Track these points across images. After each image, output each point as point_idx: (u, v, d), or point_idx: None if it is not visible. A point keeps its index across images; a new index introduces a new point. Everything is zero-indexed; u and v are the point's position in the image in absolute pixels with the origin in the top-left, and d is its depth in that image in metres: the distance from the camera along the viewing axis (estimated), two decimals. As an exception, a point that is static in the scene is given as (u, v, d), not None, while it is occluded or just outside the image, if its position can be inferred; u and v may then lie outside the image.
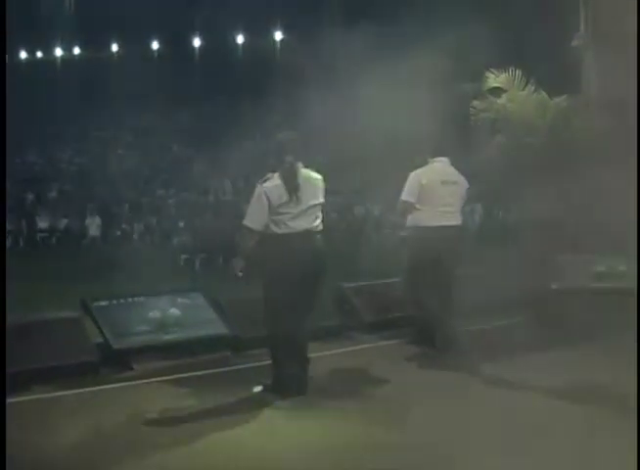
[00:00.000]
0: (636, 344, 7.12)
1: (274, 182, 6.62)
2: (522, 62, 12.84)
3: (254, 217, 6.66)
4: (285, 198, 6.57)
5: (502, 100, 12.25)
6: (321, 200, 6.82)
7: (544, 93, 12.20)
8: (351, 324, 9.35)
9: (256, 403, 6.49)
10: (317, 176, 6.87)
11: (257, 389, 6.80)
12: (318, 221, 6.79)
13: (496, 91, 12.44)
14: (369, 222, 32.35)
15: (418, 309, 8.50)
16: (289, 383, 6.66)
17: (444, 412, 6.23)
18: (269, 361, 7.49)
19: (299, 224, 6.63)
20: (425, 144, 8.79)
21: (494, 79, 12.28)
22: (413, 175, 8.43)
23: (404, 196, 8.42)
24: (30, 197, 37.96)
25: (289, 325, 6.65)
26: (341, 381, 7.19)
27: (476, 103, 12.39)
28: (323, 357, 7.38)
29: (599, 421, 5.92)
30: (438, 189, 8.33)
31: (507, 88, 12.25)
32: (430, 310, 8.31)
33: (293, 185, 6.60)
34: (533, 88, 12.22)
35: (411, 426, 5.93)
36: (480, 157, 11.60)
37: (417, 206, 8.33)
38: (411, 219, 8.43)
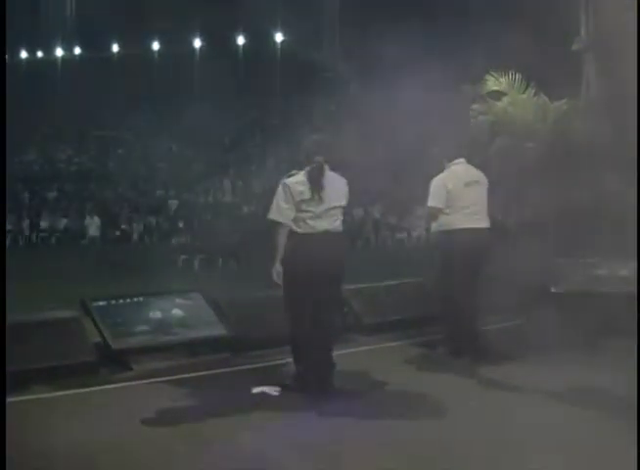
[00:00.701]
0: (636, 344, 7.12)
1: (298, 178, 6.71)
2: (522, 65, 12.85)
3: (281, 210, 6.70)
4: (306, 195, 6.64)
5: (502, 103, 12.25)
6: (343, 202, 6.88)
7: (544, 96, 12.20)
8: (350, 326, 9.36)
9: (256, 404, 6.49)
10: (342, 179, 6.96)
11: (256, 390, 6.81)
12: (338, 223, 6.84)
13: (496, 94, 12.45)
14: (368, 224, 32.39)
15: (450, 315, 8.36)
16: (308, 382, 6.70)
17: (442, 414, 6.24)
18: (268, 362, 7.52)
19: (320, 224, 6.69)
20: (442, 148, 8.74)
21: (494, 82, 12.28)
22: (437, 181, 8.36)
23: (431, 202, 8.36)
24: (29, 197, 37.93)
25: (307, 324, 6.71)
26: (339, 383, 7.17)
27: (475, 106, 12.40)
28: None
29: (600, 424, 5.93)
30: (463, 191, 8.28)
31: (507, 91, 12.26)
32: (462, 315, 8.24)
33: (318, 185, 6.67)
34: (534, 91, 12.22)
35: (409, 427, 5.94)
36: (477, 160, 11.59)
37: (445, 210, 8.28)
38: (439, 224, 8.37)
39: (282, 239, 6.68)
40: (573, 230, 11.05)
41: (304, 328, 6.75)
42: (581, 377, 7.19)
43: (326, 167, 6.79)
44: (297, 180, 6.71)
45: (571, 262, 10.85)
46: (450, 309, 8.29)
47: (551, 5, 11.62)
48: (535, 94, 12.23)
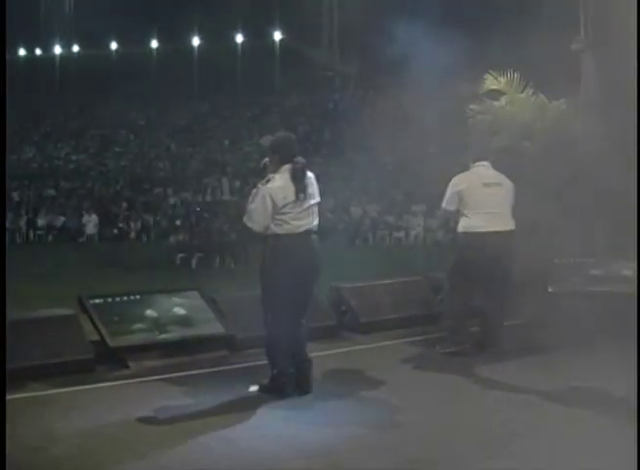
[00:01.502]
0: (636, 344, 7.12)
1: (277, 183, 6.61)
2: (521, 64, 12.83)
3: (256, 218, 6.66)
4: (289, 198, 6.58)
5: (500, 102, 12.24)
6: (318, 199, 6.84)
7: (543, 96, 12.19)
8: (348, 325, 9.36)
9: (253, 403, 6.48)
10: (311, 175, 6.87)
11: (253, 388, 6.80)
12: (316, 221, 6.81)
13: (494, 93, 12.42)
14: (365, 223, 32.36)
15: (450, 312, 8.41)
16: (286, 383, 6.66)
17: (439, 414, 6.24)
18: (265, 361, 7.49)
19: (301, 224, 6.65)
20: (465, 150, 8.78)
21: (492, 82, 12.26)
22: (452, 183, 8.41)
23: (445, 205, 8.46)
24: (27, 194, 37.91)
25: (288, 325, 6.68)
26: (336, 382, 7.18)
27: (473, 105, 12.38)
28: (319, 358, 7.36)
29: (598, 424, 5.93)
30: (480, 192, 8.26)
31: (505, 91, 12.24)
32: (465, 313, 8.34)
33: (302, 185, 6.64)
34: (532, 91, 12.21)
35: (406, 426, 5.94)
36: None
37: (464, 212, 8.27)
38: (461, 225, 8.35)
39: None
40: (572, 230, 11.05)
41: (285, 329, 6.70)
42: (579, 377, 7.19)
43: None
44: (278, 185, 6.59)
45: (570, 263, 10.86)
46: (450, 307, 8.29)
47: (550, 4, 11.61)
48: (534, 93, 12.21)
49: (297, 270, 6.61)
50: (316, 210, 6.82)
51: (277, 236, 6.63)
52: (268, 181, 6.65)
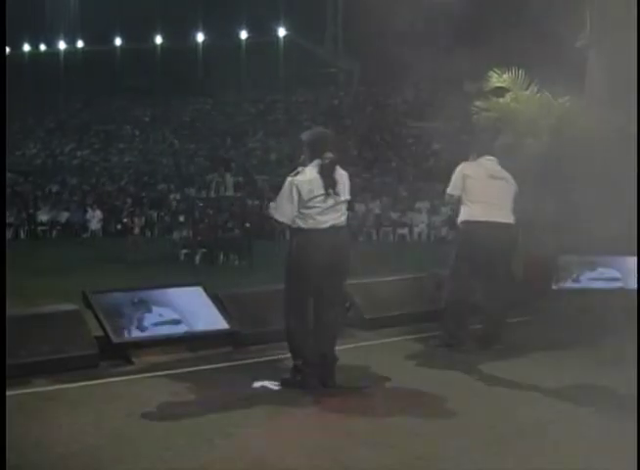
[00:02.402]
0: (636, 344, 7.11)
1: (306, 176, 6.64)
2: (526, 61, 12.82)
3: (283, 210, 6.69)
4: (316, 192, 6.59)
5: (505, 99, 12.23)
6: (348, 196, 6.86)
7: (548, 93, 12.18)
8: (351, 321, 9.35)
9: (257, 399, 6.48)
10: (343, 173, 6.89)
11: (258, 384, 6.80)
12: (344, 217, 6.82)
13: (499, 91, 12.42)
14: (369, 220, 32.37)
15: (450, 304, 8.42)
16: (309, 375, 6.71)
17: (443, 410, 6.23)
18: (269, 357, 7.51)
19: (326, 219, 6.65)
20: (472, 144, 8.77)
21: (497, 79, 12.26)
22: (458, 169, 8.43)
23: (449, 190, 8.46)
24: (31, 190, 37.93)
25: (307, 319, 6.76)
26: (340, 378, 7.16)
27: (478, 102, 12.38)
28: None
29: (600, 421, 5.92)
30: (486, 183, 8.29)
31: (510, 88, 12.23)
32: (465, 305, 8.34)
33: (331, 180, 6.64)
34: (537, 88, 12.20)
35: (410, 423, 5.94)
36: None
37: (467, 201, 8.29)
38: (462, 214, 8.38)
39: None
40: (576, 228, 11.04)
41: (306, 323, 6.76)
42: (583, 374, 7.19)
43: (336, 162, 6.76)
44: (306, 178, 6.63)
45: (574, 260, 10.86)
46: (450, 298, 8.32)
47: (555, 1, 11.59)
48: (539, 91, 12.20)
49: (321, 265, 6.62)
50: (344, 207, 6.84)
51: (302, 230, 6.66)
52: (297, 174, 6.68)
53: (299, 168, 6.74)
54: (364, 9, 35.41)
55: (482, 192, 8.23)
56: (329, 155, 6.69)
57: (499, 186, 8.33)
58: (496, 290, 8.29)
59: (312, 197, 6.60)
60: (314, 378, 6.74)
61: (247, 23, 52.66)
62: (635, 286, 10.00)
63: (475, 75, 13.42)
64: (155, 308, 8.16)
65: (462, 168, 8.40)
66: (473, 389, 6.92)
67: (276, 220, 6.75)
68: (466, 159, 8.66)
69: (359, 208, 32.93)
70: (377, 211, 33.00)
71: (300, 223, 6.67)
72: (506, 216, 8.31)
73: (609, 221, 10.35)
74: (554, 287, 10.60)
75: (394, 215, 32.79)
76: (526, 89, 12.21)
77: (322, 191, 6.61)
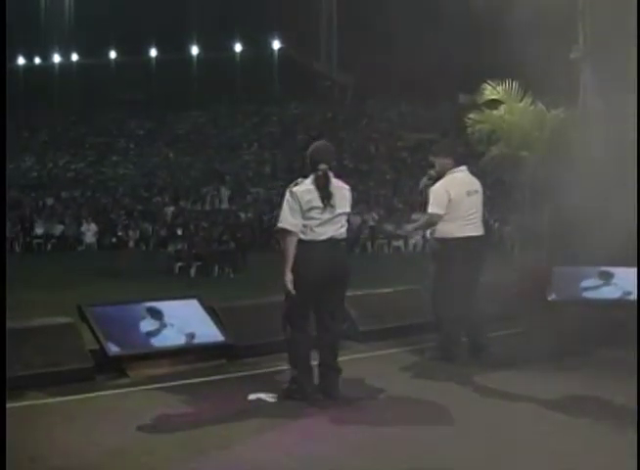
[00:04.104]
0: (636, 348, 7.12)
1: (305, 187, 6.70)
2: (519, 74, 12.87)
3: (290, 219, 6.68)
4: (314, 203, 6.63)
5: (499, 112, 12.28)
6: (348, 209, 6.90)
7: (542, 105, 12.23)
8: (347, 333, 9.35)
9: (252, 411, 6.48)
10: (345, 186, 6.95)
11: (252, 397, 6.80)
12: (343, 230, 6.85)
13: (493, 103, 12.47)
14: (364, 232, 32.40)
15: (444, 321, 8.30)
16: (307, 385, 6.72)
17: (438, 422, 6.23)
18: (264, 370, 7.50)
19: (325, 231, 6.69)
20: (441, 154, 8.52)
21: (491, 91, 12.30)
22: (439, 188, 8.26)
23: (434, 209, 8.22)
24: (26, 203, 37.91)
25: (307, 331, 6.79)
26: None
27: (472, 114, 12.42)
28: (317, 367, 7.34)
29: (596, 433, 5.92)
30: (464, 200, 8.23)
31: (504, 100, 12.28)
32: (458, 321, 8.23)
33: (326, 192, 6.68)
34: (531, 100, 12.25)
35: (406, 434, 5.94)
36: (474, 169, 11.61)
37: (446, 218, 8.19)
38: (438, 231, 8.30)
39: (292, 247, 6.63)
40: (570, 239, 11.07)
41: (306, 334, 6.79)
42: (579, 385, 7.19)
43: (331, 174, 6.78)
44: (305, 188, 6.69)
45: (569, 271, 10.87)
46: (445, 316, 8.28)
47: (548, 13, 11.64)
48: (532, 103, 12.25)
49: (320, 276, 6.64)
50: (344, 219, 6.86)
51: (301, 242, 6.68)
52: (296, 185, 6.74)
53: (299, 180, 6.80)
54: (359, 22, 35.52)
55: (461, 209, 8.21)
56: (322, 166, 6.72)
57: (474, 200, 8.36)
58: (476, 300, 8.31)
59: (310, 207, 6.64)
60: (313, 389, 6.75)
61: (241, 36, 52.77)
62: (632, 297, 10.02)
63: (469, 88, 13.45)
64: (150, 322, 8.16)
65: (445, 188, 8.25)
66: (468, 400, 6.92)
67: (284, 231, 6.70)
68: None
69: (354, 219, 32.96)
70: (372, 222, 33.03)
71: (301, 235, 6.70)
72: (480, 229, 8.39)
73: (604, 232, 10.37)
74: (549, 298, 10.60)
75: (390, 227, 32.80)
76: (520, 101, 12.26)
77: (319, 203, 6.65)
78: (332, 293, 6.80)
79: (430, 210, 8.29)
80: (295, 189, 6.71)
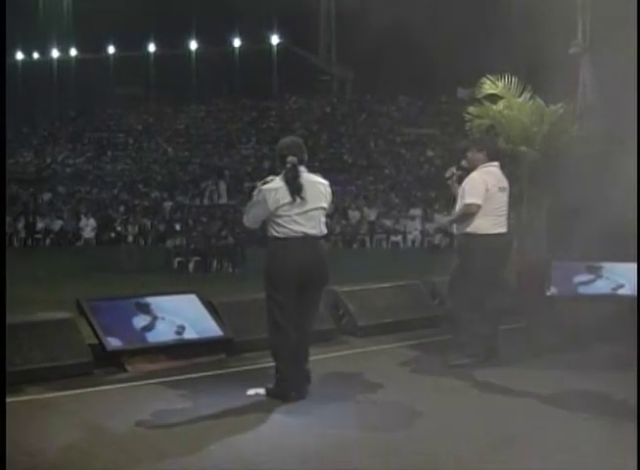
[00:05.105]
0: (636, 345, 7.12)
1: (274, 185, 6.61)
2: (518, 68, 12.86)
3: (252, 218, 6.77)
4: (285, 200, 6.54)
5: (498, 107, 12.25)
6: (323, 204, 6.73)
7: (540, 100, 12.21)
8: (345, 328, 9.36)
9: (251, 406, 6.48)
10: (322, 181, 6.83)
11: (252, 392, 6.80)
12: (320, 227, 6.72)
13: (492, 98, 12.44)
14: (363, 227, 32.42)
15: (470, 321, 8.00)
16: (288, 388, 6.65)
17: (437, 417, 6.24)
18: (263, 364, 7.49)
19: (298, 228, 6.58)
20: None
21: (490, 86, 12.28)
22: (477, 178, 8.04)
23: (472, 199, 7.96)
24: (24, 198, 37.88)
25: (288, 330, 6.65)
26: (334, 385, 7.18)
27: (471, 109, 12.40)
28: (317, 361, 7.35)
29: (596, 427, 5.93)
30: (496, 195, 8.06)
31: (503, 95, 12.26)
32: (483, 318, 7.99)
33: (295, 186, 6.56)
34: (530, 95, 12.23)
35: (404, 430, 5.94)
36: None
37: (480, 213, 7.98)
38: (470, 226, 8.02)
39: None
40: (569, 233, 11.06)
41: (283, 333, 6.67)
42: (578, 380, 7.19)
43: (302, 169, 6.66)
44: (273, 186, 6.59)
45: (568, 266, 10.87)
46: (469, 316, 8.00)
47: (547, 8, 11.61)
48: (531, 98, 12.23)
49: (294, 274, 6.56)
50: (319, 214, 6.71)
51: (275, 239, 6.64)
52: (265, 182, 6.67)
53: (270, 177, 6.73)
54: (357, 17, 35.46)
55: (494, 204, 8.02)
56: (290, 159, 6.62)
57: (504, 197, 8.18)
58: (499, 299, 8.17)
59: (278, 206, 6.55)
60: (292, 389, 6.66)
61: (240, 30, 52.67)
62: (628, 292, 10.02)
63: (468, 82, 13.43)
64: (148, 316, 8.16)
65: (483, 178, 8.03)
66: (467, 395, 6.93)
67: (248, 228, 6.80)
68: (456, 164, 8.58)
69: (353, 215, 32.98)
70: (371, 218, 33.04)
71: (273, 232, 6.65)
72: (505, 226, 8.21)
73: (603, 227, 10.37)
74: (547, 293, 10.61)
75: (388, 223, 32.84)
76: (520, 96, 12.24)
77: (288, 198, 6.56)
78: (305, 291, 6.67)
79: (467, 200, 8.01)
80: (263, 187, 6.62)
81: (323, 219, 6.78)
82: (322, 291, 6.97)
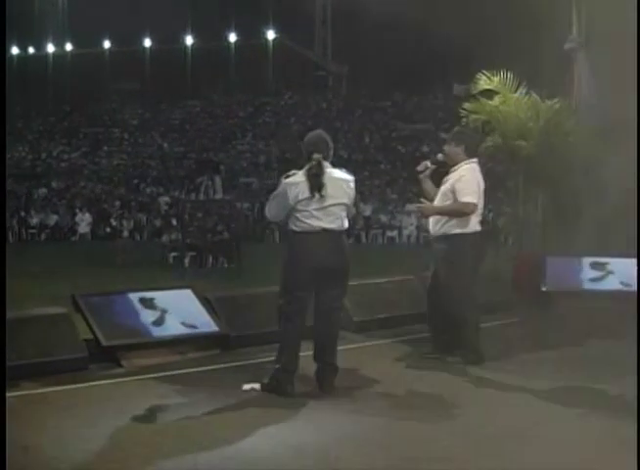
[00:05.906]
0: (636, 344, 7.13)
1: (296, 179, 6.61)
2: (514, 64, 12.86)
3: (273, 211, 6.80)
4: (304, 195, 6.54)
5: (494, 102, 12.26)
6: (344, 200, 6.71)
7: (536, 95, 12.22)
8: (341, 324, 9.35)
9: (246, 402, 6.48)
10: (347, 177, 6.80)
11: (247, 387, 6.79)
12: (339, 222, 6.69)
13: (488, 93, 12.45)
14: (359, 222, 32.42)
15: (472, 320, 7.82)
16: (285, 380, 6.65)
17: (431, 413, 6.24)
18: (258, 359, 7.49)
19: (318, 223, 6.57)
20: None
21: (486, 81, 12.28)
22: (471, 177, 7.77)
23: (469, 198, 7.67)
24: (19, 193, 37.85)
25: (297, 322, 6.67)
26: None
27: (467, 105, 12.40)
28: (311, 357, 7.33)
29: (589, 423, 5.93)
30: (482, 193, 7.86)
31: (499, 90, 12.26)
32: (468, 315, 7.80)
33: (316, 183, 6.55)
34: (525, 90, 12.24)
35: (399, 425, 5.94)
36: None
37: None
38: (460, 226, 7.74)
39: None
40: (565, 229, 11.08)
41: (296, 327, 6.69)
42: (573, 376, 7.20)
43: (326, 164, 6.67)
44: (295, 181, 6.60)
45: (563, 261, 10.88)
46: (471, 315, 7.83)
47: (543, 4, 11.62)
48: (527, 93, 12.24)
49: (312, 268, 6.55)
50: (339, 210, 6.68)
51: (293, 233, 6.66)
52: (288, 176, 6.68)
53: (292, 171, 6.73)
54: (353, 12, 35.42)
55: (480, 202, 7.88)
56: (315, 156, 6.63)
57: (483, 195, 8.10)
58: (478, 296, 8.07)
59: (298, 200, 6.56)
60: (290, 384, 6.65)
61: (236, 25, 52.61)
62: (627, 288, 10.04)
63: (464, 78, 13.43)
64: (144, 311, 8.15)
65: (475, 177, 7.82)
66: (462, 390, 6.92)
67: (270, 220, 6.78)
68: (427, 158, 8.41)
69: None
70: (366, 213, 33.04)
71: (293, 226, 6.65)
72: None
73: (599, 222, 10.39)
74: (543, 288, 10.61)
75: (384, 218, 32.84)
76: (515, 91, 12.25)
77: (308, 193, 6.56)
78: (327, 286, 6.67)
79: (464, 198, 7.68)
80: (285, 181, 6.65)
81: (344, 214, 6.76)
82: (345, 284, 6.90)
